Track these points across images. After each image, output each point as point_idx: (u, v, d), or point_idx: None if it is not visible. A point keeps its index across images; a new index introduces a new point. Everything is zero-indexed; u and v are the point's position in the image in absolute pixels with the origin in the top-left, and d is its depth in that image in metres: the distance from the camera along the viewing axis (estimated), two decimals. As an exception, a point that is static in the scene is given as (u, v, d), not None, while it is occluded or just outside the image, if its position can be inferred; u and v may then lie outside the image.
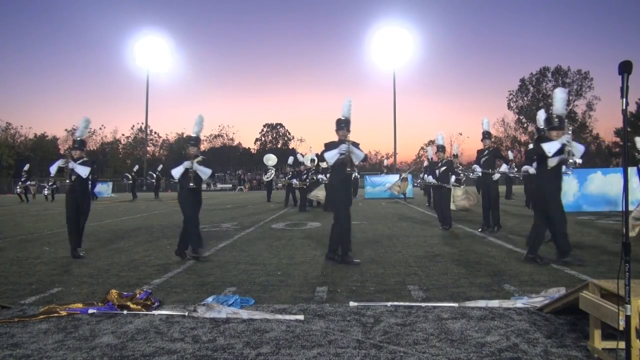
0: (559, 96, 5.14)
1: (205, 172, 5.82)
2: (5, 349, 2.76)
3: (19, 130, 57.95)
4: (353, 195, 15.91)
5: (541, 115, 7.35)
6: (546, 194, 5.10)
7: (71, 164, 5.96)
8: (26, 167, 23.32)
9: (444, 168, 8.82)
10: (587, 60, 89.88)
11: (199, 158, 5.90)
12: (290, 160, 16.69)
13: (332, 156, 5.32)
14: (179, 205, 5.96)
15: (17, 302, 3.87)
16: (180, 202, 5.92)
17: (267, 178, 20.35)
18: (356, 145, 5.48)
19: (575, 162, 4.94)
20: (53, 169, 6.05)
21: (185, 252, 5.86)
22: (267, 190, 20.36)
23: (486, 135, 8.42)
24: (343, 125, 5.52)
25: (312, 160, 15.67)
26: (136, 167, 27.92)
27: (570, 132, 4.99)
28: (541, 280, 4.34)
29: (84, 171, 5.97)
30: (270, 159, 20.09)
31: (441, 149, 9.09)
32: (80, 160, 6.07)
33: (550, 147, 4.87)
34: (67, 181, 6.02)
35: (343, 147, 5.31)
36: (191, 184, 5.73)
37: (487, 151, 8.25)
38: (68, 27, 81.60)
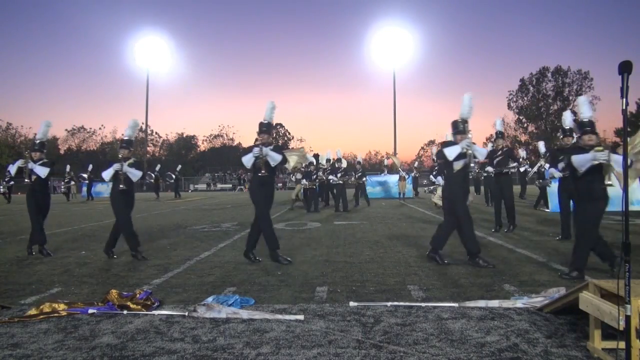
0: (466, 102, 5.26)
1: (135, 175, 5.95)
2: (5, 349, 2.76)
3: (19, 130, 57.94)
4: (354, 203, 15.82)
5: (567, 116, 7.48)
6: (453, 196, 5.24)
7: (30, 165, 6.14)
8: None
9: None
10: (587, 60, 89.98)
11: (130, 160, 6.02)
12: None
13: (247, 160, 5.43)
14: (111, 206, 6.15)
15: (17, 302, 3.87)
16: (112, 203, 6.11)
17: None
18: (277, 149, 5.60)
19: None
20: (12, 170, 6.27)
21: (112, 251, 6.00)
22: None
23: (499, 135, 8.46)
24: (265, 129, 5.59)
25: (328, 160, 15.69)
26: None
27: (470, 136, 5.14)
28: (541, 280, 4.34)
29: (42, 172, 6.15)
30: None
31: None
32: (40, 162, 6.25)
33: (450, 152, 5.05)
34: (27, 181, 6.21)
35: (256, 150, 5.39)
36: (121, 186, 5.88)
37: (500, 151, 8.25)
38: (68, 27, 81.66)
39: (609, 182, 4.30)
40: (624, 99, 2.22)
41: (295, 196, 15.19)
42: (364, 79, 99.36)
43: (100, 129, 64.34)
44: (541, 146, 13.19)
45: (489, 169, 8.43)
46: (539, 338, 2.80)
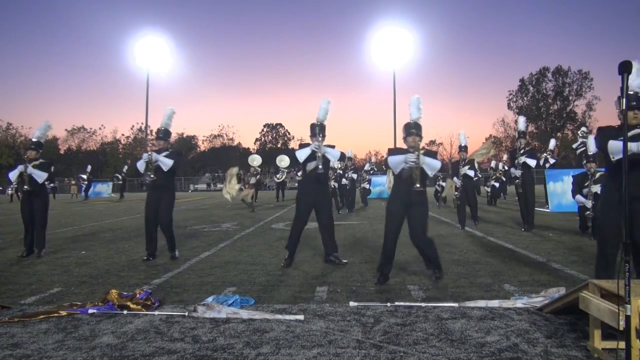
0: (322, 106, 5.44)
1: (40, 176, 6.06)
2: (5, 349, 2.76)
3: (19, 130, 57.95)
4: (363, 203, 15.80)
5: (592, 141, 7.65)
6: (301, 194, 5.52)
7: None
8: None
9: (467, 167, 8.88)
10: (587, 60, 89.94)
11: (37, 162, 6.11)
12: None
13: (139, 165, 5.74)
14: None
15: (17, 302, 3.87)
16: (21, 204, 6.29)
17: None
18: (173, 155, 5.83)
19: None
20: None
21: (36, 251, 6.21)
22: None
23: (521, 135, 8.48)
24: (161, 135, 5.91)
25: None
26: (125, 167, 28.19)
27: (320, 139, 5.29)
28: (541, 280, 4.34)
29: None
30: (255, 160, 20.13)
31: (464, 148, 9.20)
32: None
33: (301, 154, 5.28)
34: None
35: (145, 155, 5.70)
36: (26, 187, 6.01)
37: (522, 150, 8.25)
38: (68, 27, 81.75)
39: (417, 186, 4.24)
40: (624, 99, 2.23)
41: (250, 198, 15.31)
42: (364, 79, 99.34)
43: (100, 129, 64.54)
44: (552, 143, 14.65)
45: (514, 170, 8.47)
46: (539, 338, 2.80)
